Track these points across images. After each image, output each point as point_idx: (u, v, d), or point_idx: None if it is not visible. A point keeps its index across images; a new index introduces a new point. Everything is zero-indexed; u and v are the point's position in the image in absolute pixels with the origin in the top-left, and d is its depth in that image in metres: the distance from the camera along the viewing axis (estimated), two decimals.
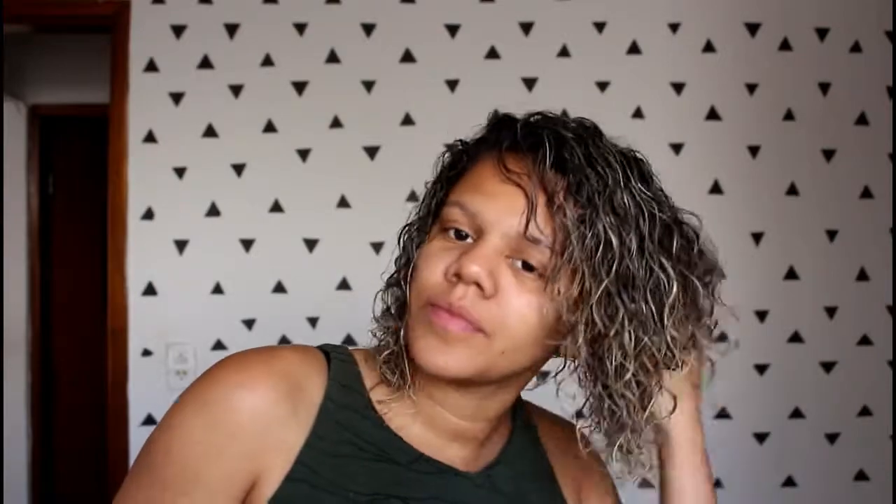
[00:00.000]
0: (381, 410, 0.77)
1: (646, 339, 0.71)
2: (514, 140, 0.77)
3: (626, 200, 0.71)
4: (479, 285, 0.70)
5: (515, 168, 0.73)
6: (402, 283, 0.78)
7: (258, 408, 0.70)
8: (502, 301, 0.71)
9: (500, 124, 0.83)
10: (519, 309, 0.71)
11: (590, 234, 0.69)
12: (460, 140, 0.84)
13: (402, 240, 0.82)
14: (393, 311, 0.80)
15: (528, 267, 0.71)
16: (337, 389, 0.76)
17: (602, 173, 0.72)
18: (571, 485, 0.89)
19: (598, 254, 0.69)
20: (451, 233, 0.74)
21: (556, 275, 0.70)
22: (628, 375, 0.71)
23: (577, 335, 0.71)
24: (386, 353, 0.78)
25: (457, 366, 0.71)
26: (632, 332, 0.71)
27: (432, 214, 0.79)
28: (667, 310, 0.71)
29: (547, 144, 0.74)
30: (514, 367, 0.74)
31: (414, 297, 0.74)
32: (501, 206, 0.72)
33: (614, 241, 0.70)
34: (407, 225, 0.82)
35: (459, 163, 0.80)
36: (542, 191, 0.72)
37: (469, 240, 0.73)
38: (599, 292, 0.70)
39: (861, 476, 2.38)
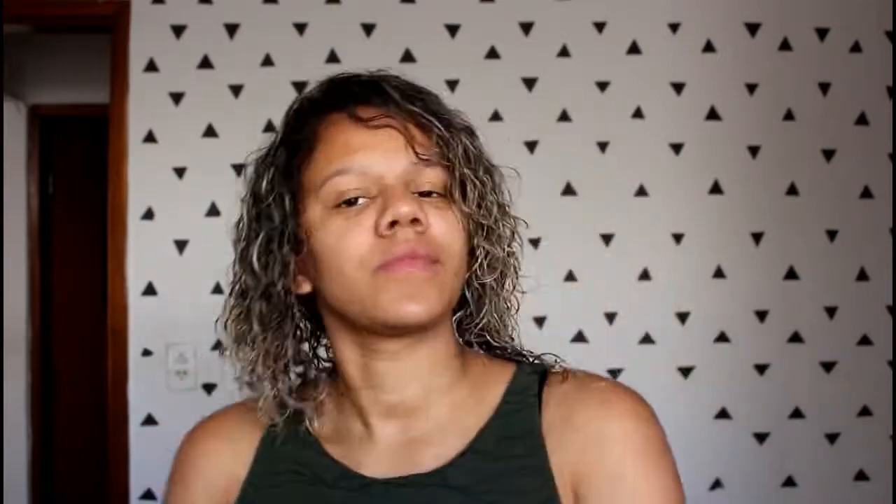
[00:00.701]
0: (313, 429, 0.82)
1: (510, 226, 0.84)
2: (352, 95, 0.80)
3: (461, 117, 0.84)
4: (415, 221, 0.73)
5: (370, 114, 0.77)
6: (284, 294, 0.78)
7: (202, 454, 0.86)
8: (435, 228, 0.75)
9: (330, 90, 0.83)
10: (449, 228, 0.76)
11: (460, 143, 0.79)
12: (287, 123, 0.85)
13: (253, 267, 0.78)
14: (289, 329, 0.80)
15: (427, 194, 0.76)
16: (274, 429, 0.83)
17: (438, 99, 0.82)
18: (569, 466, 0.75)
19: (472, 158, 0.80)
20: (344, 205, 0.75)
21: (455, 184, 0.77)
22: (512, 261, 0.85)
23: (480, 236, 0.79)
24: (294, 377, 0.81)
25: (431, 304, 0.74)
26: (503, 223, 0.82)
27: (290, 211, 0.77)
28: (507, 200, 0.85)
29: (387, 85, 0.81)
30: (459, 289, 0.79)
31: (351, 274, 0.74)
32: (383, 151, 0.75)
33: (472, 144, 0.82)
34: (243, 259, 0.80)
35: (300, 146, 0.79)
36: (407, 119, 0.77)
37: (362, 201, 0.75)
38: (486, 192, 0.80)
39: (861, 476, 2.38)
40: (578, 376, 0.80)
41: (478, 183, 0.79)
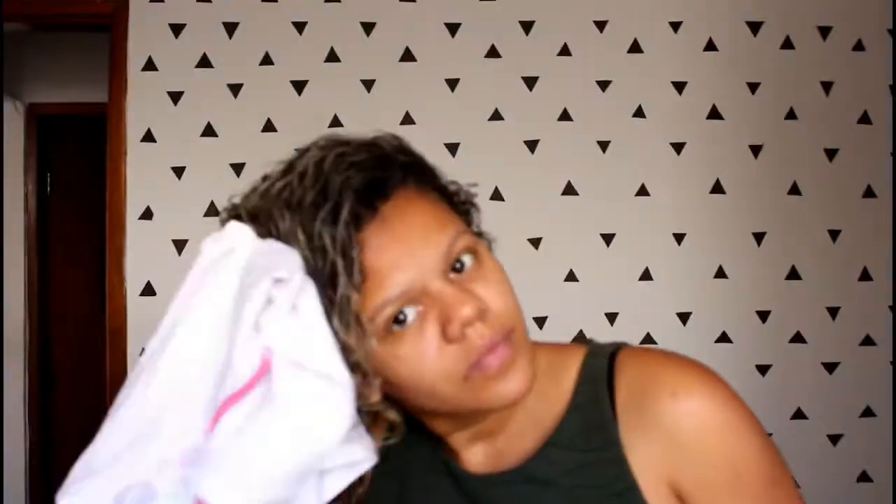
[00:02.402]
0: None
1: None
2: (372, 190, 0.71)
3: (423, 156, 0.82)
4: (479, 314, 0.70)
5: (393, 210, 0.71)
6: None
7: None
8: (492, 303, 0.72)
9: (321, 195, 0.71)
10: (499, 291, 0.74)
11: (462, 200, 0.80)
12: (320, 244, 0.69)
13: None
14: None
15: (461, 262, 0.73)
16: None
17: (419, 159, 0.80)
18: (653, 465, 0.75)
19: (471, 210, 0.81)
20: (395, 325, 0.70)
21: (479, 241, 0.77)
22: None
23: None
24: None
25: (527, 373, 0.72)
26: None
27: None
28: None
29: (391, 162, 0.75)
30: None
31: (441, 389, 0.71)
32: (419, 256, 0.70)
33: (448, 183, 0.81)
34: None
35: (339, 280, 0.68)
36: (419, 199, 0.74)
37: (411, 315, 0.70)
38: (473, 216, 0.82)
39: (864, 477, 2.37)
40: (647, 362, 0.79)
41: (473, 216, 0.81)
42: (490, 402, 0.72)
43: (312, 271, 0.68)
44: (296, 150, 0.81)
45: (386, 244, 0.69)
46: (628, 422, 0.75)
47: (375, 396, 0.70)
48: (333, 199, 0.69)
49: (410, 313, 0.69)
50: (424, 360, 0.70)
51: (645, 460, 0.74)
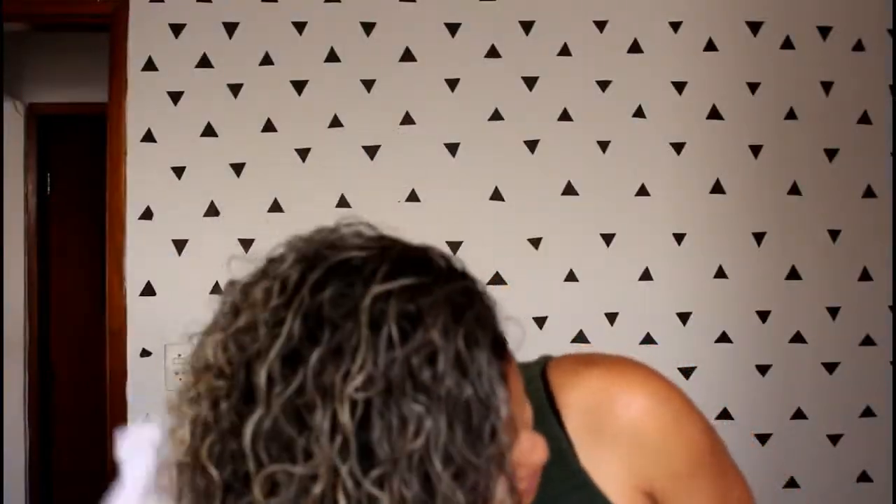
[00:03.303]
0: None
1: None
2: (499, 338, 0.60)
3: None
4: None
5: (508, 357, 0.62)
6: None
7: None
8: None
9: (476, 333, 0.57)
10: None
11: None
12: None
13: None
14: None
15: None
16: None
17: None
18: (622, 478, 0.77)
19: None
20: None
21: None
22: None
23: None
24: None
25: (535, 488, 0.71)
26: None
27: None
28: None
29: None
30: None
31: None
32: (519, 407, 0.64)
33: None
34: None
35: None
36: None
37: None
38: None
39: (864, 478, 2.37)
40: (586, 378, 0.78)
41: None
42: None
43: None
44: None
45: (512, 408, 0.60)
46: (586, 444, 0.76)
47: None
48: (484, 390, 0.54)
49: None
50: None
51: (612, 475, 0.75)
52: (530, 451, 0.63)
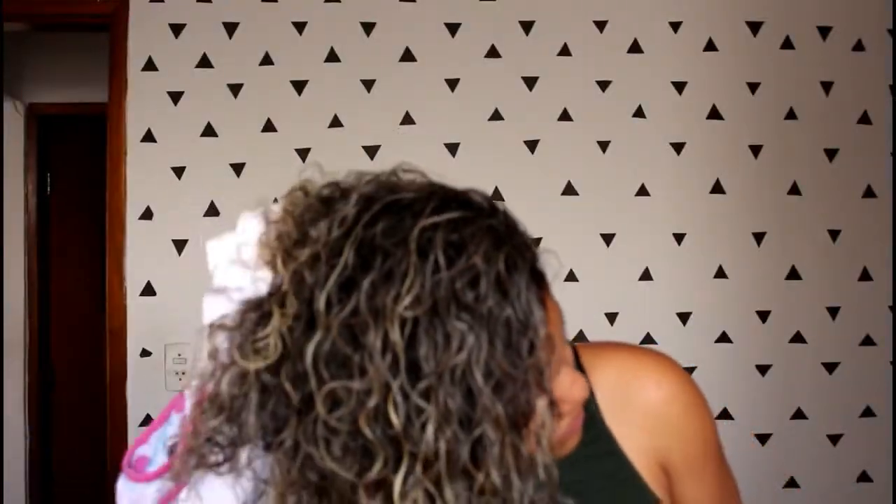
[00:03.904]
0: None
1: None
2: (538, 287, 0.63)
3: None
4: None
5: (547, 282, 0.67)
6: None
7: None
8: None
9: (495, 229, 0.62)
10: None
11: None
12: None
13: None
14: None
15: None
16: None
17: None
18: (645, 451, 0.83)
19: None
20: None
21: None
22: None
23: None
24: None
25: (578, 439, 0.77)
26: None
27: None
28: None
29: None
30: None
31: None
32: (559, 341, 0.68)
33: None
34: None
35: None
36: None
37: None
38: None
39: (864, 477, 2.37)
40: (618, 358, 0.85)
41: None
42: (556, 457, 0.70)
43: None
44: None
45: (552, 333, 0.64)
46: (615, 416, 0.82)
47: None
48: (522, 310, 0.58)
49: None
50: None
51: (637, 448, 0.82)
52: (571, 385, 0.68)
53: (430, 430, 0.54)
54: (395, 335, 0.54)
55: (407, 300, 0.55)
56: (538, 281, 0.61)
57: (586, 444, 0.79)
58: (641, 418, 0.82)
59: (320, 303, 0.56)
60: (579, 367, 0.83)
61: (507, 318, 0.56)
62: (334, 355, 0.56)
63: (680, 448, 0.83)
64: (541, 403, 0.59)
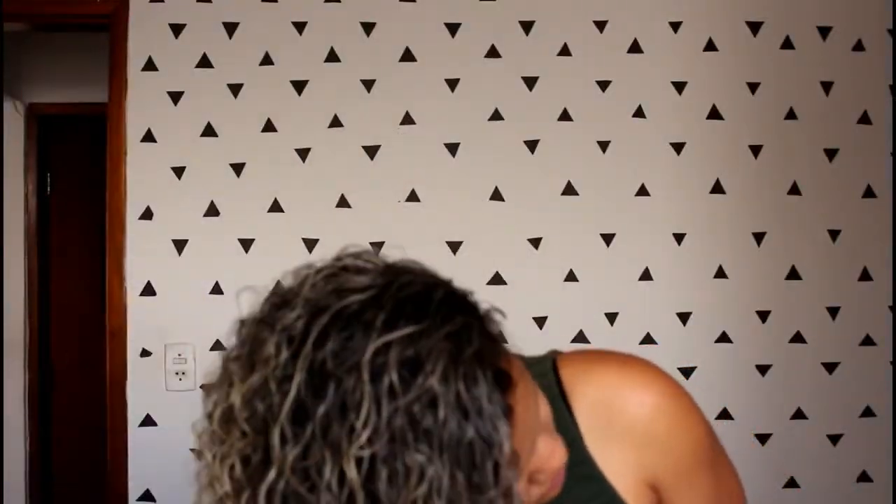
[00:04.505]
0: None
1: None
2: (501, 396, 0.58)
3: None
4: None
5: (513, 367, 0.62)
6: None
7: None
8: None
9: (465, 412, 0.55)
10: None
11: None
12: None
13: None
14: None
15: None
16: None
17: None
18: (630, 471, 0.80)
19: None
20: None
21: None
22: None
23: None
24: None
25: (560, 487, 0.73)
26: None
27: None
28: None
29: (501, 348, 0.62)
30: None
31: None
32: (529, 425, 0.65)
33: None
34: None
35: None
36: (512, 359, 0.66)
37: None
38: None
39: (864, 477, 2.37)
40: (599, 374, 0.81)
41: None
42: None
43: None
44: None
45: (522, 454, 0.61)
46: (596, 437, 0.79)
47: None
48: (485, 429, 0.54)
49: None
50: None
51: (619, 467, 0.79)
52: (549, 456, 0.65)
53: None
54: (352, 472, 0.51)
55: (363, 437, 0.51)
56: (503, 384, 0.57)
57: (569, 467, 0.74)
58: (625, 437, 0.79)
59: (274, 438, 0.53)
60: (559, 386, 0.80)
61: (469, 441, 0.53)
62: (288, 497, 0.53)
63: (668, 463, 0.80)
64: None
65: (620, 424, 0.79)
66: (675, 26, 2.38)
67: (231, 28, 2.34)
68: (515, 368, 0.61)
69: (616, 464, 0.79)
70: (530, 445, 0.63)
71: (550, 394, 0.79)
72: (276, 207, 2.31)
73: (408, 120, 2.33)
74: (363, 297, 0.57)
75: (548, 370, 0.82)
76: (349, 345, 0.54)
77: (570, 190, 2.36)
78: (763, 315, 2.37)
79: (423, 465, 0.51)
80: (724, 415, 2.33)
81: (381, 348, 0.53)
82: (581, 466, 0.78)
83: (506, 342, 0.61)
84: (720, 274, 2.37)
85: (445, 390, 0.53)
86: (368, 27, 2.35)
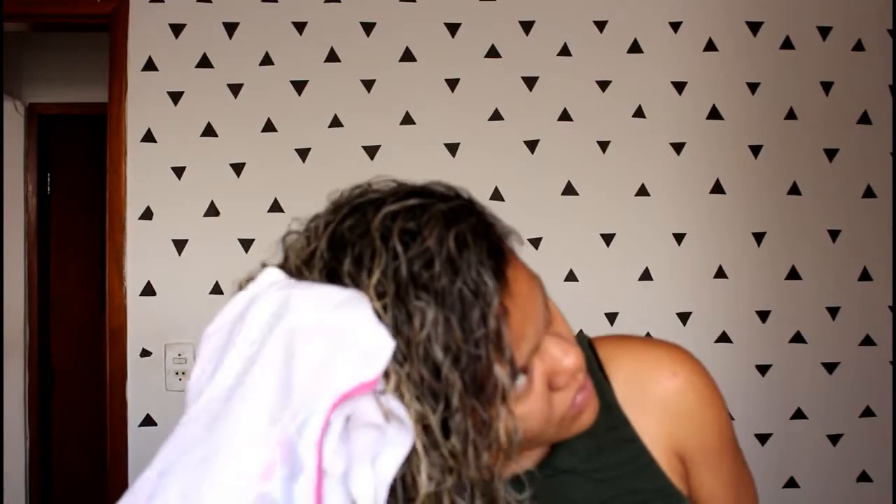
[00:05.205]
0: None
1: None
2: (494, 271, 0.64)
3: None
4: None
5: (512, 275, 0.65)
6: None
7: None
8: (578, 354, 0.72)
9: (454, 275, 0.62)
10: (569, 327, 0.76)
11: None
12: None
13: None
14: None
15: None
16: None
17: None
18: (662, 440, 0.83)
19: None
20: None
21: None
22: None
23: None
24: None
25: (596, 404, 0.76)
26: None
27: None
28: None
29: (497, 233, 0.68)
30: None
31: (545, 432, 0.71)
32: (531, 317, 0.67)
33: None
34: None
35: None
36: (511, 253, 0.69)
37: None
38: None
39: (864, 477, 2.37)
40: (635, 349, 0.87)
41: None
42: (574, 432, 0.75)
43: (452, 361, 0.59)
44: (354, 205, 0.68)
45: (515, 318, 0.64)
46: (633, 405, 0.83)
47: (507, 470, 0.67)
48: (473, 282, 0.61)
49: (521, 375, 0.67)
50: (535, 414, 0.69)
51: (654, 437, 0.83)
52: (562, 356, 0.69)
53: (414, 405, 0.58)
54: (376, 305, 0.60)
55: (374, 278, 0.60)
56: (497, 257, 0.64)
57: (606, 431, 0.81)
58: (657, 408, 0.83)
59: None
60: (596, 359, 0.85)
61: (458, 291, 0.60)
62: None
63: (696, 437, 0.84)
64: (499, 370, 0.61)
65: (655, 395, 0.83)
66: (675, 26, 2.38)
67: (231, 28, 2.34)
68: (518, 261, 0.67)
69: (650, 432, 0.83)
70: (533, 331, 0.66)
71: (588, 364, 0.82)
72: (276, 207, 2.31)
73: (408, 120, 2.34)
74: (379, 193, 0.68)
75: (584, 345, 0.87)
76: (363, 219, 0.64)
77: (570, 190, 2.36)
78: (763, 315, 2.37)
79: (423, 311, 0.59)
80: None
81: (388, 216, 0.63)
82: (619, 430, 0.82)
83: (510, 240, 0.69)
84: (720, 274, 2.37)
85: (439, 249, 0.61)
86: (368, 27, 2.35)
